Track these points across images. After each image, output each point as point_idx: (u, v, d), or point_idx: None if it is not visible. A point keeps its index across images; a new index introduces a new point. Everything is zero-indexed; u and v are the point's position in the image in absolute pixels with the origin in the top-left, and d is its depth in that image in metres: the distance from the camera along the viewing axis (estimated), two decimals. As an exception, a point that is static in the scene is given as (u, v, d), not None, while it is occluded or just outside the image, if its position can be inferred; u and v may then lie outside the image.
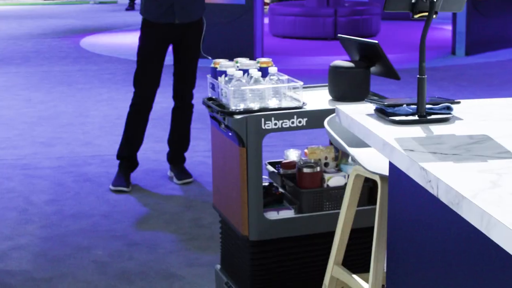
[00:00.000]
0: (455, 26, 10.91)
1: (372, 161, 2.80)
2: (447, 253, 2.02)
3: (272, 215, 3.35)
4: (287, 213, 3.39)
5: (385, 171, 2.71)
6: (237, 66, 3.50)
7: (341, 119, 2.64)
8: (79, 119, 7.25)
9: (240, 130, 3.24)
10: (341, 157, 3.54)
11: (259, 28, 10.38)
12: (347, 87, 3.49)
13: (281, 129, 3.29)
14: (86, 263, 4.12)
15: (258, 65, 3.53)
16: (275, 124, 3.28)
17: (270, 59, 3.58)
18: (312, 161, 3.47)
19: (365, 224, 3.40)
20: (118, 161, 5.35)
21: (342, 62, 3.56)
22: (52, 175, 5.59)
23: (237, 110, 3.27)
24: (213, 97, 3.52)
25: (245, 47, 10.03)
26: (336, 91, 3.53)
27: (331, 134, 2.86)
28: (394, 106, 2.48)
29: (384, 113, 2.48)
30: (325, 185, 3.43)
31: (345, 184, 3.33)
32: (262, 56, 10.38)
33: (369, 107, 2.60)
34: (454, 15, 10.78)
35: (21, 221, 4.70)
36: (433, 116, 2.44)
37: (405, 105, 2.47)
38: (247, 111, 3.27)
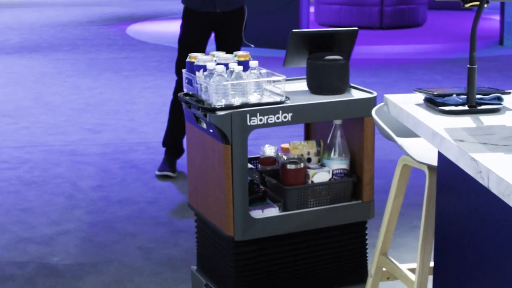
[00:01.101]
0: (503, 15, 10.77)
1: (420, 151, 2.78)
2: (497, 244, 2.00)
3: (257, 213, 3.23)
4: (272, 211, 3.26)
5: (433, 162, 2.69)
6: (215, 60, 3.34)
7: (390, 108, 2.62)
8: (125, 106, 7.30)
9: (224, 126, 3.10)
10: (323, 152, 3.42)
11: (305, 17, 10.35)
12: (325, 80, 3.37)
13: (267, 125, 3.16)
14: (132, 249, 4.15)
15: (236, 59, 3.37)
16: (261, 120, 3.14)
17: (248, 53, 3.43)
18: (296, 157, 3.35)
19: (350, 220, 3.39)
20: (164, 148, 5.38)
21: (322, 54, 3.43)
22: (99, 161, 5.64)
23: (220, 106, 3.13)
24: (189, 92, 3.37)
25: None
26: (314, 84, 3.41)
27: (379, 124, 2.85)
28: (443, 96, 2.45)
29: (433, 103, 2.46)
30: (309, 181, 3.31)
31: (330, 179, 3.32)
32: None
33: (418, 96, 2.58)
34: (503, 4, 10.64)
35: (68, 207, 4.76)
36: (483, 107, 2.41)
37: (454, 95, 2.45)
38: (230, 107, 3.13)
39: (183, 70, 3.42)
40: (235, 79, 3.19)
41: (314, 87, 3.40)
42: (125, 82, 8.40)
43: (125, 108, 7.20)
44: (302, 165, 3.29)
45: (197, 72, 3.27)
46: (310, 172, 3.30)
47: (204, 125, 3.24)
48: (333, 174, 3.34)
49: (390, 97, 2.63)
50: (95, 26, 12.97)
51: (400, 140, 2.80)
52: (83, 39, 11.58)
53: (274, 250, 3.30)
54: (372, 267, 3.17)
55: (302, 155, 3.38)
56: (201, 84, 3.24)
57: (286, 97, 3.25)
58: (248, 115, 3.11)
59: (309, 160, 3.40)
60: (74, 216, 4.61)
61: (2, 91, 8.06)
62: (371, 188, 3.39)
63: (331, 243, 3.40)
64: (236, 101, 3.16)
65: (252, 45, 4.56)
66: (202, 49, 5.18)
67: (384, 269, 3.16)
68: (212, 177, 3.25)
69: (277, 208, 3.27)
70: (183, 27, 5.22)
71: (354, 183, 3.39)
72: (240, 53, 3.41)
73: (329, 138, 3.37)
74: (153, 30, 12.51)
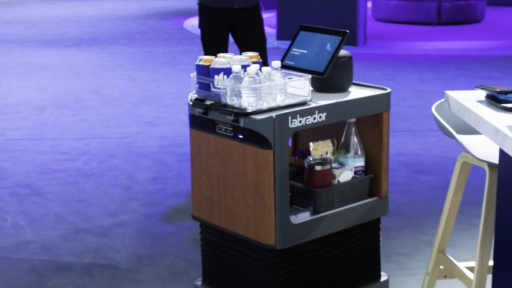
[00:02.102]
0: None
1: (481, 149, 2.75)
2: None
3: (293, 219, 3.08)
4: (305, 216, 3.13)
5: (494, 159, 2.66)
6: (229, 61, 3.12)
7: (451, 105, 2.60)
8: (182, 99, 7.34)
9: (265, 131, 2.92)
10: (338, 150, 3.31)
11: (362, 12, 10.30)
12: (329, 77, 3.23)
13: (305, 126, 3.01)
14: (187, 241, 4.18)
15: (249, 60, 3.19)
16: (300, 121, 2.98)
17: (257, 53, 3.27)
18: (319, 157, 3.23)
19: (370, 217, 3.31)
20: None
21: None
22: (155, 154, 5.69)
23: (255, 110, 2.96)
24: (200, 97, 3.15)
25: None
26: (317, 81, 3.26)
27: (439, 120, 2.82)
28: (506, 93, 2.42)
29: (495, 100, 2.43)
30: (335, 182, 3.20)
31: (353, 178, 3.23)
32: (365, 42, 10.30)
33: (480, 93, 2.55)
34: None
35: (125, 199, 4.80)
36: (547, 104, 2.38)
37: (517, 92, 2.42)
38: (268, 109, 2.98)
39: (192, 75, 3.18)
40: (266, 81, 3.05)
41: (318, 85, 3.27)
42: (182, 75, 8.45)
43: (182, 102, 7.24)
44: (328, 166, 3.18)
45: (216, 76, 3.07)
46: (336, 172, 3.21)
47: (228, 131, 3.05)
48: (354, 172, 3.27)
49: (451, 93, 2.61)
50: (152, 20, 13.06)
51: (460, 137, 2.77)
52: (140, 33, 11.67)
53: (310, 255, 3.18)
54: (429, 265, 3.15)
55: (321, 155, 3.27)
56: (224, 88, 3.05)
57: (310, 97, 3.12)
58: (290, 117, 2.96)
59: None
60: (130, 208, 4.66)
61: (61, 83, 8.18)
62: (387, 184, 3.34)
63: (353, 243, 3.32)
64: (266, 103, 3.02)
65: (275, 43, 4.51)
66: (224, 46, 5.18)
67: (441, 267, 3.13)
68: (241, 185, 3.06)
69: (308, 212, 3.15)
70: (201, 24, 5.23)
71: (371, 179, 3.32)
72: (250, 53, 3.24)
73: (343, 136, 3.28)
74: (209, 24, 12.53)
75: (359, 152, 3.27)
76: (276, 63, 3.13)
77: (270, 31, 11.35)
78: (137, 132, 6.26)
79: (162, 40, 11.01)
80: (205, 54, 5.20)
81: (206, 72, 3.12)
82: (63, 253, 3.99)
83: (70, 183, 5.07)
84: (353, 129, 3.26)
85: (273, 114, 2.93)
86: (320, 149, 3.25)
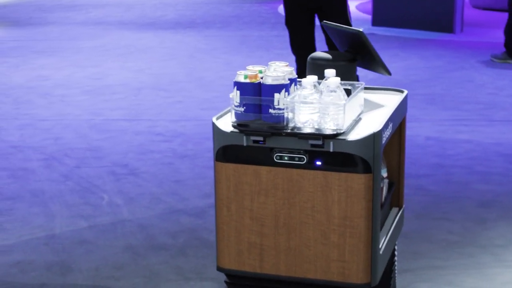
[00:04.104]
0: None
1: None
2: None
3: None
4: None
5: None
6: (286, 75, 2.62)
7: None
8: (276, 84, 7.35)
9: (365, 152, 2.51)
10: None
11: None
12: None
13: (386, 140, 2.68)
14: (280, 225, 4.20)
15: (293, 70, 2.70)
16: (385, 136, 2.64)
17: (287, 63, 2.74)
18: None
19: (397, 234, 3.03)
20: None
21: (322, 53, 3.02)
22: (249, 137, 5.72)
23: (341, 130, 2.54)
24: (242, 122, 2.60)
25: (443, 18, 9.82)
26: None
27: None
28: None
29: None
30: (383, 198, 2.87)
31: (387, 191, 2.95)
32: (462, 29, 10.12)
33: None
34: None
35: (219, 181, 4.85)
36: None
37: None
38: (352, 126, 2.62)
39: (230, 95, 2.61)
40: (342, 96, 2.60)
41: None
42: (276, 59, 8.42)
43: (276, 86, 7.25)
44: (382, 183, 2.80)
45: (277, 94, 2.55)
46: (384, 187, 2.90)
47: (297, 159, 2.59)
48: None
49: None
50: (247, 4, 13.11)
51: None
52: (235, 17, 11.74)
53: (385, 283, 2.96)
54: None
55: None
56: (287, 108, 2.57)
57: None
58: (382, 133, 2.58)
59: None
60: (224, 190, 4.70)
61: (158, 65, 8.30)
62: (403, 192, 3.16)
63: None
64: (348, 120, 2.61)
65: (361, 29, 4.38)
66: (307, 27, 5.13)
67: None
68: (319, 221, 2.61)
69: None
70: (284, 7, 5.24)
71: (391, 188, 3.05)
72: (278, 62, 2.74)
73: None
74: (304, 9, 12.53)
75: (383, 162, 2.96)
76: (332, 72, 2.65)
77: (365, 16, 11.28)
78: (232, 115, 6.31)
79: (257, 24, 11.05)
80: (291, 39, 5.21)
81: (254, 91, 2.59)
82: (158, 233, 4.06)
83: (166, 164, 5.15)
84: None
85: (370, 131, 2.54)
86: None
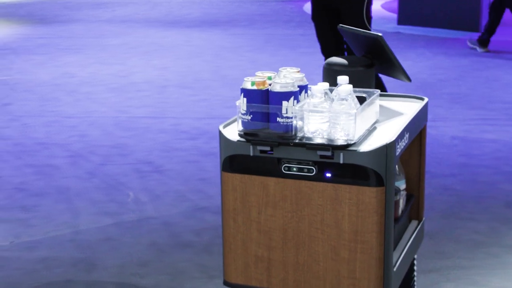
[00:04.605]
0: None
1: None
2: None
3: None
4: None
5: None
6: (295, 82, 2.48)
7: None
8: (301, 82, 7.34)
9: (377, 164, 2.36)
10: None
11: (486, -2, 10.07)
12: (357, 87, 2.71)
13: (401, 151, 2.52)
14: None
15: (304, 77, 2.57)
16: (400, 146, 2.48)
17: (298, 68, 2.63)
18: None
19: (416, 248, 2.89)
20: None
21: (339, 58, 2.89)
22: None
23: (358, 140, 2.40)
24: (250, 131, 2.46)
25: (469, 17, 9.76)
26: None
27: None
28: None
29: None
30: (399, 212, 2.74)
31: (405, 204, 2.82)
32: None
33: None
34: None
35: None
36: None
37: None
38: (364, 136, 2.47)
39: (237, 103, 2.47)
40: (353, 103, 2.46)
41: None
42: (301, 58, 8.46)
43: (301, 85, 7.25)
44: (398, 196, 2.70)
45: (285, 102, 2.43)
46: (400, 200, 2.76)
47: (306, 170, 2.45)
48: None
49: None
50: (272, 2, 13.11)
51: None
52: (261, 15, 11.74)
53: None
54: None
55: None
56: (296, 117, 2.43)
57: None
58: (396, 144, 2.43)
59: None
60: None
61: (183, 63, 8.32)
62: (424, 204, 3.00)
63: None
64: (360, 130, 2.47)
65: (380, 34, 4.29)
66: (327, 27, 5.14)
67: None
68: (329, 236, 2.48)
69: None
70: (311, 3, 5.32)
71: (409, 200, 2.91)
72: (289, 68, 2.62)
73: None
74: (330, 8, 12.51)
75: (402, 173, 2.85)
76: (345, 79, 2.52)
77: (391, 15, 11.24)
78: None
79: (282, 22, 11.04)
80: (318, 39, 5.23)
81: (262, 99, 2.46)
82: (183, 230, 4.06)
83: (191, 161, 5.16)
84: None
85: (382, 142, 2.39)
86: None
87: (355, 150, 2.37)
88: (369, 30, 5.01)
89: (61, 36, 10.16)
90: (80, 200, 4.48)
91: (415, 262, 3.01)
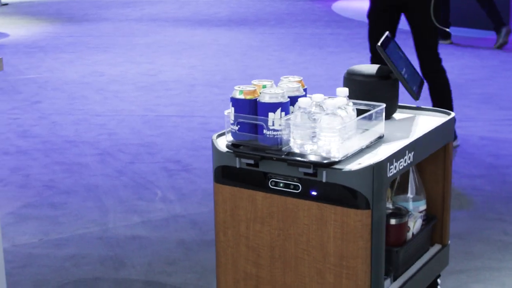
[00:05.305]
0: None
1: None
2: None
3: None
4: (386, 285, 2.45)
5: None
6: (284, 93, 2.35)
7: None
8: (329, 82, 7.34)
9: (362, 185, 2.20)
10: (395, 192, 2.69)
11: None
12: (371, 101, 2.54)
13: (398, 173, 2.35)
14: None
15: (300, 86, 2.44)
16: (395, 167, 2.31)
17: (301, 77, 2.50)
18: (392, 206, 2.59)
19: (439, 271, 2.77)
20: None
21: (362, 67, 2.74)
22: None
23: (342, 158, 2.25)
24: (238, 142, 2.38)
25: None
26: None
27: None
28: None
29: None
30: (410, 235, 2.60)
31: (422, 227, 2.68)
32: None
33: None
34: None
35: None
36: None
37: None
38: (354, 155, 2.31)
39: (227, 112, 2.40)
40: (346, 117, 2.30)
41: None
42: (329, 58, 8.44)
43: (329, 84, 7.24)
44: (406, 218, 2.57)
45: (271, 114, 2.29)
46: (411, 222, 2.60)
47: (292, 187, 2.32)
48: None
49: None
50: (301, 1, 13.09)
51: None
52: (289, 14, 11.73)
53: None
54: None
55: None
56: (283, 129, 2.29)
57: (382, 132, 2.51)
58: (388, 164, 2.26)
59: None
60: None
61: (211, 62, 8.33)
62: (448, 228, 2.82)
63: None
64: (350, 147, 2.32)
65: (447, 29, 4.13)
66: (386, 26, 4.94)
67: None
68: (315, 258, 2.33)
69: (389, 280, 2.49)
70: (369, 2, 5.15)
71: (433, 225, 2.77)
72: (292, 77, 2.51)
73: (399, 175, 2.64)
74: (359, 7, 12.47)
75: (421, 193, 2.70)
76: (344, 91, 2.41)
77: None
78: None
79: (310, 21, 11.03)
80: (369, 36, 5.08)
81: (250, 109, 2.33)
82: (210, 229, 4.07)
83: (218, 160, 5.16)
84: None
85: (369, 161, 2.23)
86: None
87: (340, 169, 2.21)
88: (437, 25, 4.93)
89: (90, 35, 10.22)
90: (108, 198, 4.50)
91: (438, 281, 2.88)
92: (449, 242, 2.84)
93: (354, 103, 2.43)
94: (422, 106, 2.85)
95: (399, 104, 2.81)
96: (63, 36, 10.15)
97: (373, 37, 5.13)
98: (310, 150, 2.26)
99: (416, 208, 2.65)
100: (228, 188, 2.42)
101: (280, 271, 2.40)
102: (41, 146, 5.50)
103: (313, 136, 2.25)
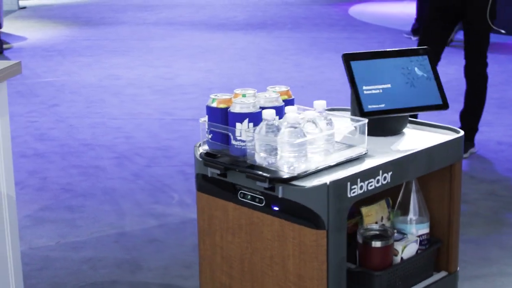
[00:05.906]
0: None
1: None
2: None
3: None
4: None
5: None
6: (255, 103, 2.31)
7: None
8: (346, 86, 7.31)
9: (316, 203, 2.12)
10: (395, 213, 2.59)
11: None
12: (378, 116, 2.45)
13: (366, 193, 2.23)
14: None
15: (279, 97, 2.37)
16: (361, 187, 2.20)
17: (288, 87, 2.49)
18: (378, 227, 2.48)
19: None
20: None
21: None
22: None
23: (300, 174, 2.17)
24: (213, 151, 2.35)
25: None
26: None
27: None
28: None
29: None
30: (398, 259, 2.47)
31: (417, 251, 2.54)
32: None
33: None
34: None
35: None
36: None
37: None
38: (316, 171, 2.20)
39: (201, 120, 2.44)
40: (313, 131, 2.24)
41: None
42: (346, 62, 8.42)
43: (345, 88, 7.22)
44: (391, 240, 2.44)
45: (239, 124, 2.24)
46: (399, 246, 2.48)
47: (257, 200, 2.28)
48: (419, 243, 2.56)
49: None
50: (318, 6, 13.09)
51: None
52: (306, 18, 11.73)
53: None
54: None
55: (376, 222, 2.52)
56: (251, 141, 2.24)
57: (366, 148, 2.38)
58: (349, 184, 2.16)
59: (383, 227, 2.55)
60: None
61: (228, 65, 8.34)
62: (457, 254, 2.65)
63: None
64: (314, 163, 2.22)
65: (503, 31, 4.12)
66: (441, 36, 4.91)
67: None
68: (277, 274, 2.29)
69: None
70: (428, 6, 5.06)
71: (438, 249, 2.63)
72: (279, 88, 2.48)
73: (400, 194, 2.58)
74: (376, 11, 12.46)
75: (424, 215, 2.58)
76: (320, 104, 2.33)
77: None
78: (301, 117, 6.30)
79: (327, 26, 11.02)
80: (420, 42, 5.01)
81: (222, 118, 2.29)
82: (226, 233, 4.08)
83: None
84: (414, 184, 2.56)
85: (326, 179, 2.13)
86: (374, 214, 2.52)
87: (295, 186, 2.14)
88: (492, 28, 4.89)
89: (107, 38, 10.25)
90: (125, 201, 4.52)
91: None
92: (457, 269, 2.67)
93: (335, 117, 2.38)
94: (434, 123, 2.71)
95: (415, 120, 2.72)
96: (80, 40, 10.18)
97: (425, 44, 5.06)
98: (272, 163, 2.20)
99: (415, 231, 2.55)
100: (206, 197, 2.41)
101: (250, 285, 2.35)
102: (59, 149, 5.53)
103: (274, 150, 2.19)
